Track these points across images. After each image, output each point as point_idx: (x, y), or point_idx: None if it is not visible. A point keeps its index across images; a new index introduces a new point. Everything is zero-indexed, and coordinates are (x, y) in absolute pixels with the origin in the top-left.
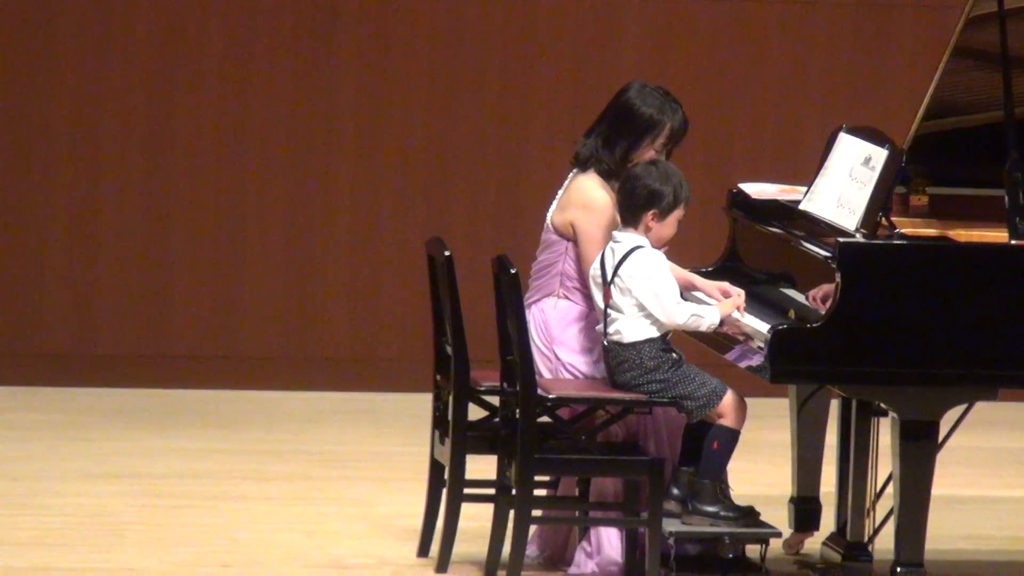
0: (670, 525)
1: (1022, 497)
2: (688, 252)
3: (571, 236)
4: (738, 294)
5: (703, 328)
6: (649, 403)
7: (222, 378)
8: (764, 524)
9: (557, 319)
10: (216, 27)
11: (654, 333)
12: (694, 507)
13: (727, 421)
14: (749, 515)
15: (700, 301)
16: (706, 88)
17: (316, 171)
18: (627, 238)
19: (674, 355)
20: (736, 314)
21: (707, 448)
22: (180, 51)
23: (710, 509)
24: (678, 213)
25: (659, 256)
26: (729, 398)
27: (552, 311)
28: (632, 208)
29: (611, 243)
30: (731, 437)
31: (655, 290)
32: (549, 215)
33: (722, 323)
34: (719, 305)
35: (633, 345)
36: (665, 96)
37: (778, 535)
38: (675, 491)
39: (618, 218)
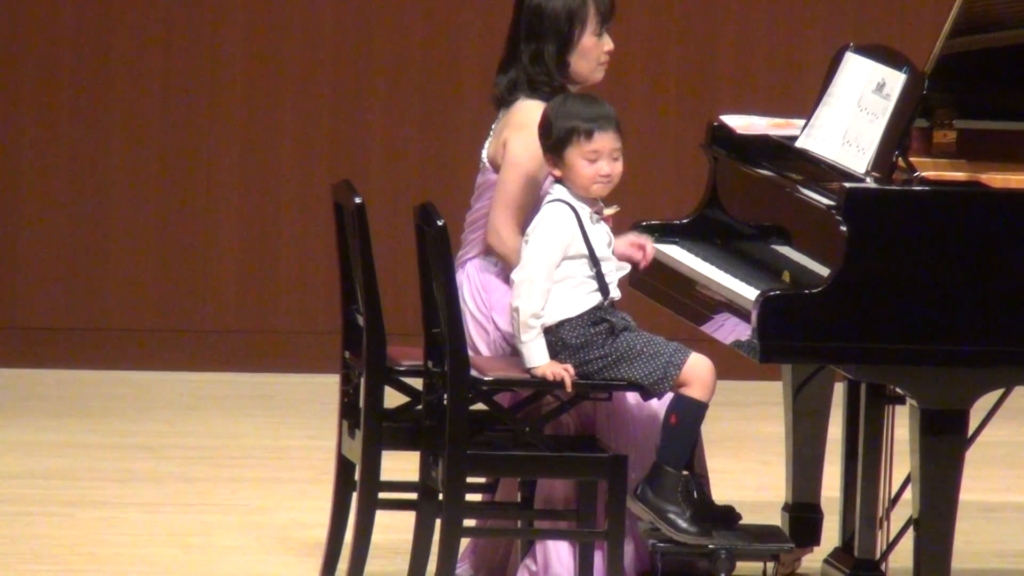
0: (653, 537)
1: None
2: (659, 201)
3: None
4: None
5: (517, 339)
6: (606, 386)
7: (81, 355)
8: (778, 536)
9: (499, 280)
10: None
11: (570, 312)
12: (644, 494)
13: (692, 391)
14: (727, 518)
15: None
16: None
17: (197, 102)
18: (555, 190)
19: (605, 324)
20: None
21: (664, 424)
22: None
23: (670, 508)
24: (582, 147)
25: (557, 222)
26: (693, 362)
27: (494, 268)
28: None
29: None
30: (696, 410)
31: (527, 255)
32: (484, 151)
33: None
34: (547, 364)
35: (549, 329)
36: None
37: (789, 549)
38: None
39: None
